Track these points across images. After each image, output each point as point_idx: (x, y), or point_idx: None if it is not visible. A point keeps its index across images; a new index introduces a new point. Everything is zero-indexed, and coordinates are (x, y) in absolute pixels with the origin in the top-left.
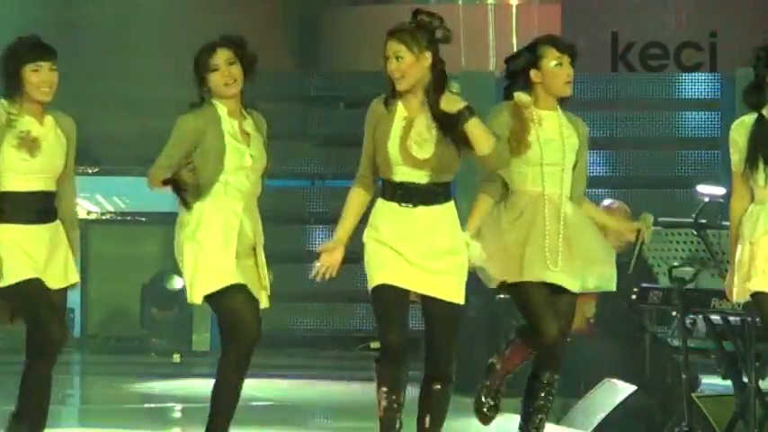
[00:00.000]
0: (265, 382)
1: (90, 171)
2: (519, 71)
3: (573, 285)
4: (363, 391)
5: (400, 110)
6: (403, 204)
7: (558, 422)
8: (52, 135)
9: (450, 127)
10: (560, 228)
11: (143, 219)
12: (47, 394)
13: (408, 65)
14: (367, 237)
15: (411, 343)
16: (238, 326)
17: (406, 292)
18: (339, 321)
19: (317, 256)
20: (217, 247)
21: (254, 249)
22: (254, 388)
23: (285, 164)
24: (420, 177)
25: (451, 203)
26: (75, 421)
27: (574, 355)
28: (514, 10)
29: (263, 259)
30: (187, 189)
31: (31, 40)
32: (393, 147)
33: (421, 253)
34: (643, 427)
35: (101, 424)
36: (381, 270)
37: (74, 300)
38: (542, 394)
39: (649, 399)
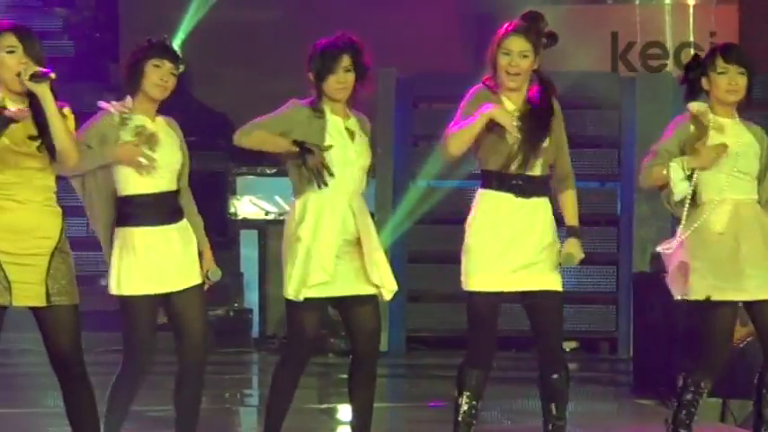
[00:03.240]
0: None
1: (268, 172)
2: (692, 79)
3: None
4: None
5: (507, 104)
6: (519, 196)
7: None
8: (165, 132)
9: (544, 125)
10: (762, 238)
11: None
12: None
13: (529, 65)
14: (476, 229)
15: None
16: (294, 341)
17: (499, 298)
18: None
19: None
20: (320, 246)
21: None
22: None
23: (459, 166)
24: (535, 169)
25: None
26: (253, 421)
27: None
28: (692, 10)
29: (376, 255)
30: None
31: (161, 40)
32: (512, 138)
33: (530, 246)
34: None
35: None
36: (482, 273)
37: (252, 300)
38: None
39: None
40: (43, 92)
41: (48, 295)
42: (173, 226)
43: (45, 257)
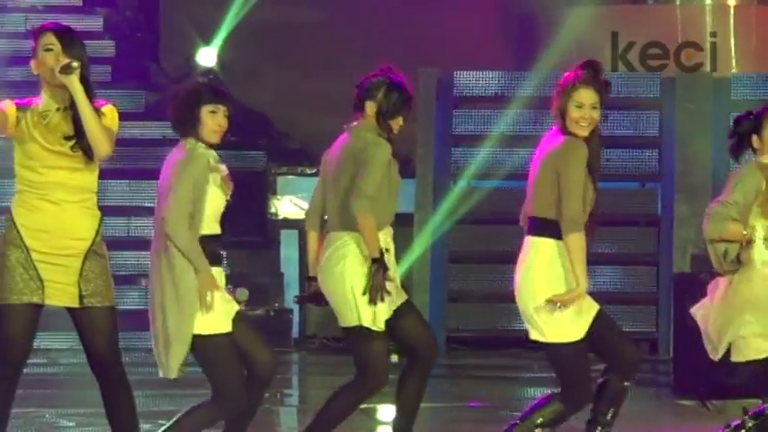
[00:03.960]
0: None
1: (308, 171)
2: (742, 133)
3: None
4: None
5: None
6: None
7: None
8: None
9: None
10: None
11: None
12: None
13: (598, 116)
14: (565, 284)
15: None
16: (368, 370)
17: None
18: None
19: None
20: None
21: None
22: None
23: (500, 165)
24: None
25: None
26: (293, 421)
27: None
28: (732, 11)
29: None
30: None
31: (212, 84)
32: (590, 189)
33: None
34: None
35: None
36: (579, 325)
37: (292, 300)
38: None
39: None
40: (71, 82)
41: (81, 296)
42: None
43: (78, 258)
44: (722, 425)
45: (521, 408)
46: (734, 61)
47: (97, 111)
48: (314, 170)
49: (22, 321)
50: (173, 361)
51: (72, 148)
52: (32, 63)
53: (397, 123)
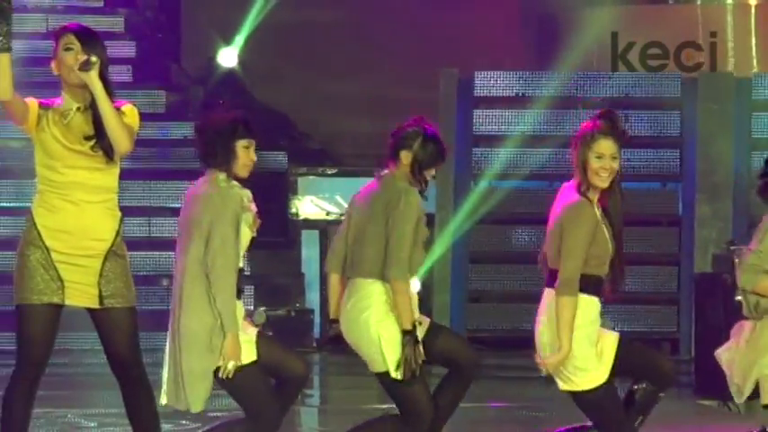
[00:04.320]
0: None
1: (329, 172)
2: None
3: None
4: None
5: (594, 208)
6: (600, 299)
7: None
8: None
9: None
10: None
11: None
12: None
13: (618, 165)
14: (583, 335)
15: None
16: (412, 414)
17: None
18: None
19: None
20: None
21: None
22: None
23: (521, 165)
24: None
25: None
26: (314, 422)
27: None
28: (753, 10)
29: None
30: None
31: (245, 117)
32: (611, 242)
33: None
34: None
35: (339, 424)
36: (603, 367)
37: (313, 300)
38: None
39: None
40: (90, 78)
41: (101, 297)
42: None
43: (98, 259)
44: (744, 426)
45: (541, 408)
46: (755, 61)
47: (117, 110)
48: (335, 170)
49: (42, 321)
50: (196, 397)
51: (92, 147)
52: (53, 64)
53: (430, 174)
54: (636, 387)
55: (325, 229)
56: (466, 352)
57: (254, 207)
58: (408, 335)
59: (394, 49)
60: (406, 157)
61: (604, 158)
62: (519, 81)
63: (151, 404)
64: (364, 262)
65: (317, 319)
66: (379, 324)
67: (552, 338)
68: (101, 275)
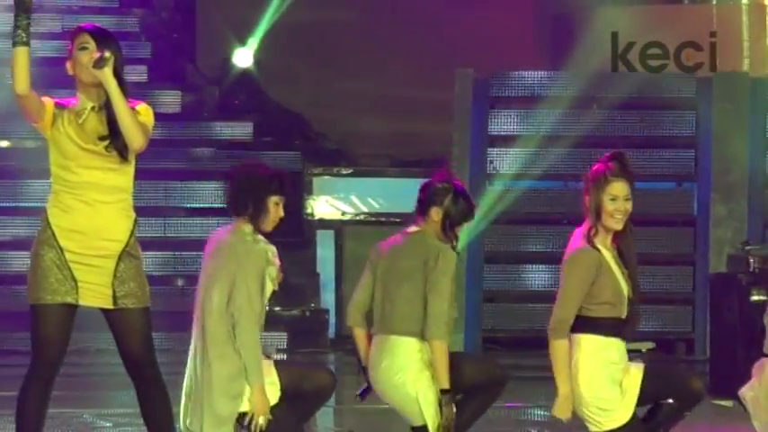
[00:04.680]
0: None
1: (344, 172)
2: None
3: None
4: None
5: (604, 251)
6: (624, 341)
7: None
8: None
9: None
10: None
11: (397, 219)
12: None
13: (631, 206)
14: (604, 376)
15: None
16: None
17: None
18: None
19: None
20: None
21: None
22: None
23: (536, 166)
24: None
25: None
26: (329, 421)
27: None
28: None
29: None
30: None
31: (281, 173)
32: (624, 283)
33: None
34: None
35: (354, 424)
36: (627, 405)
37: (328, 300)
38: None
39: None
40: (104, 75)
41: (114, 298)
42: None
43: (112, 260)
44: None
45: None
46: None
47: (132, 110)
48: (350, 170)
49: (56, 321)
50: None
51: (106, 148)
52: (68, 64)
53: (459, 230)
54: (662, 402)
55: (340, 229)
56: (493, 373)
57: (277, 261)
58: (447, 394)
59: (409, 48)
60: (436, 213)
61: (618, 200)
62: (534, 81)
63: (166, 404)
64: (399, 320)
65: (331, 319)
66: (415, 383)
67: (585, 376)
68: (114, 276)
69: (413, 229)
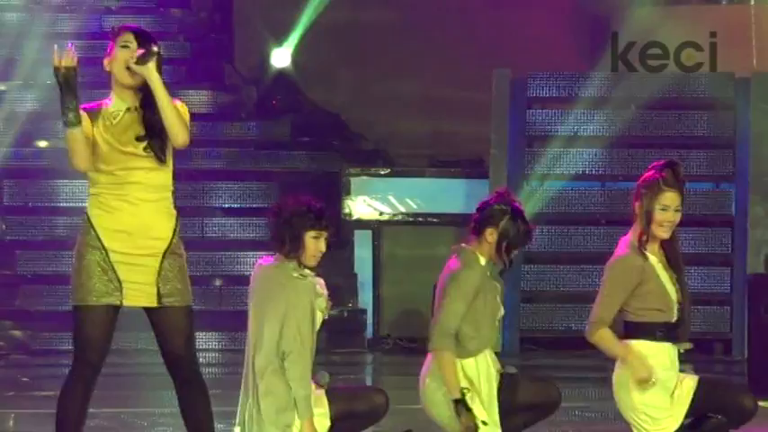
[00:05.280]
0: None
1: (382, 172)
2: None
3: None
4: None
5: (651, 257)
6: (675, 344)
7: None
8: None
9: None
10: None
11: (435, 220)
12: None
13: (680, 216)
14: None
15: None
16: None
17: None
18: None
19: None
20: None
21: None
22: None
23: (573, 166)
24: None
25: None
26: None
27: None
28: None
29: None
30: None
31: (317, 206)
32: (672, 288)
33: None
34: None
35: (392, 424)
36: (675, 414)
37: (366, 300)
38: None
39: None
40: (148, 72)
41: (159, 296)
42: None
43: (156, 258)
44: None
45: (594, 408)
46: None
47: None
48: (387, 170)
49: (100, 323)
50: None
51: (144, 149)
52: (105, 61)
53: (515, 253)
54: (710, 415)
55: (377, 229)
56: (549, 394)
57: (325, 292)
58: (457, 403)
59: (447, 49)
60: (491, 234)
61: (669, 210)
62: (571, 81)
63: (206, 403)
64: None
65: (369, 319)
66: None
67: (634, 382)
68: (159, 274)
69: (463, 246)
